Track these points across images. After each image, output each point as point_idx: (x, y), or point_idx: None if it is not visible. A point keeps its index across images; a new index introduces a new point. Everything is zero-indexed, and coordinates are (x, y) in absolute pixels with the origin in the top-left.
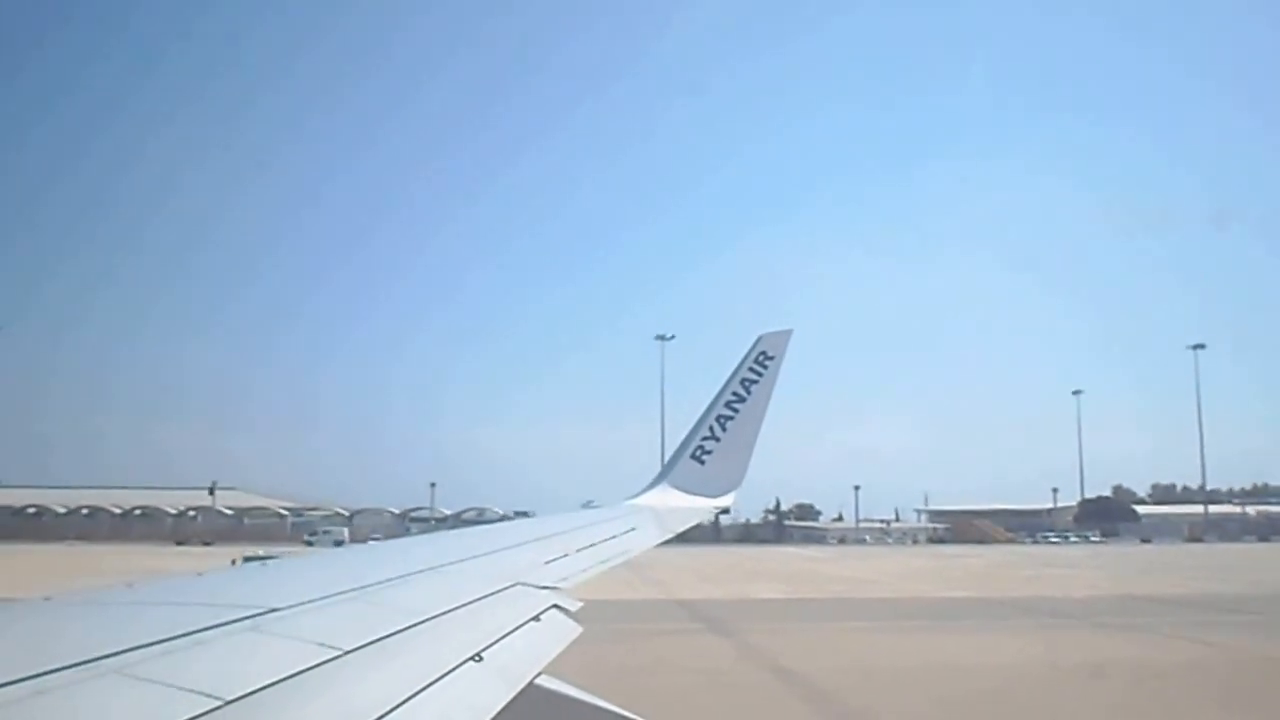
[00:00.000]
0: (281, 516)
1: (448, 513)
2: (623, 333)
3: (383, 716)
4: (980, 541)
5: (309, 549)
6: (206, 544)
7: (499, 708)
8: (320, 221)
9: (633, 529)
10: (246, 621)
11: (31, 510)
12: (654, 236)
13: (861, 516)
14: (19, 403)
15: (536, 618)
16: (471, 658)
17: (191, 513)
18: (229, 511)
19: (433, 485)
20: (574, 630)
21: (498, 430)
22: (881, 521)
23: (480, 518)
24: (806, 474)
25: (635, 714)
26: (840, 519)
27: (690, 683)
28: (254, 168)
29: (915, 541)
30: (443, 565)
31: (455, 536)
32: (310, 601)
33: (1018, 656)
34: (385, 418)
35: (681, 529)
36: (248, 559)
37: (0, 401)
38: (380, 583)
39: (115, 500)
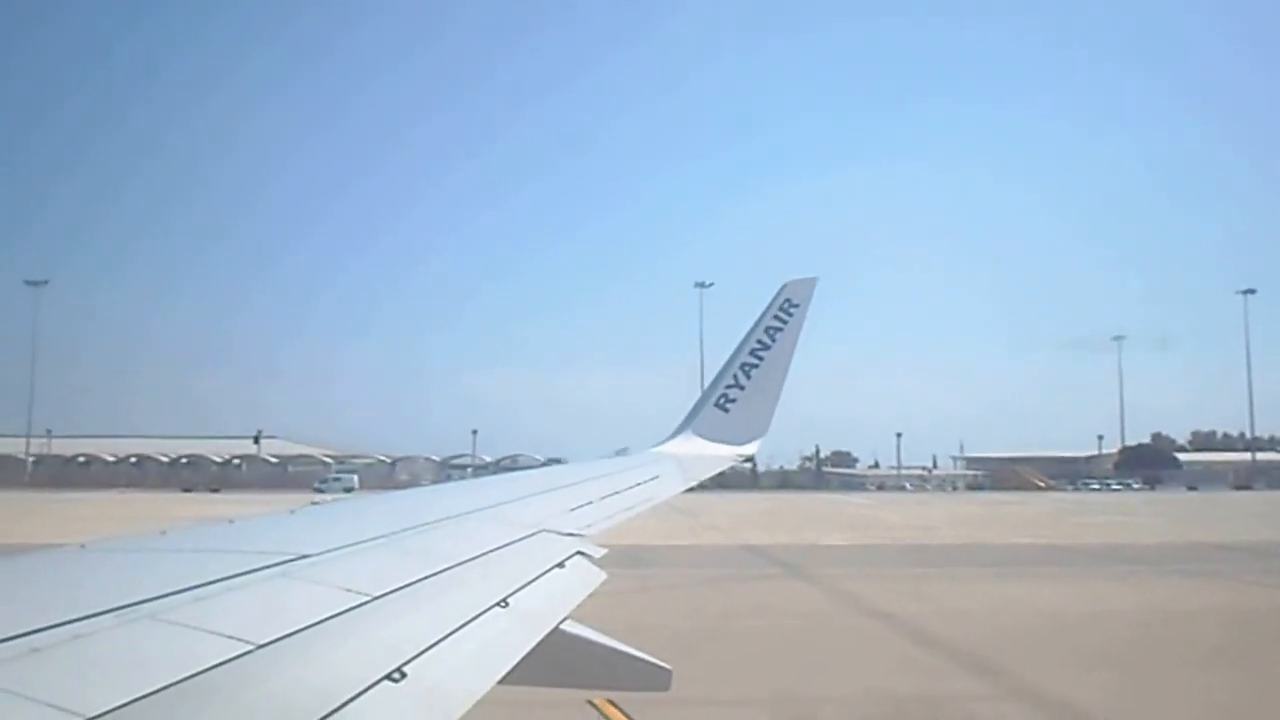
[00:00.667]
0: (325, 464)
1: (488, 459)
2: (663, 280)
3: (411, 660)
4: (1020, 488)
5: (320, 495)
6: (214, 490)
7: (524, 652)
8: (365, 170)
9: (656, 477)
10: (277, 568)
11: (82, 460)
12: (696, 181)
13: (894, 463)
14: (68, 354)
15: (561, 564)
16: (497, 603)
17: (236, 461)
18: (273, 459)
19: (474, 432)
20: (598, 576)
21: (539, 378)
22: (922, 469)
23: (516, 465)
24: (840, 421)
25: (727, 655)
26: (876, 466)
27: (800, 626)
28: (304, 113)
29: (954, 488)
30: (468, 512)
31: (481, 484)
32: (340, 548)
33: (1131, 603)
34: (427, 366)
35: (705, 477)
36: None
37: (49, 354)
38: (408, 529)
39: (163, 449)
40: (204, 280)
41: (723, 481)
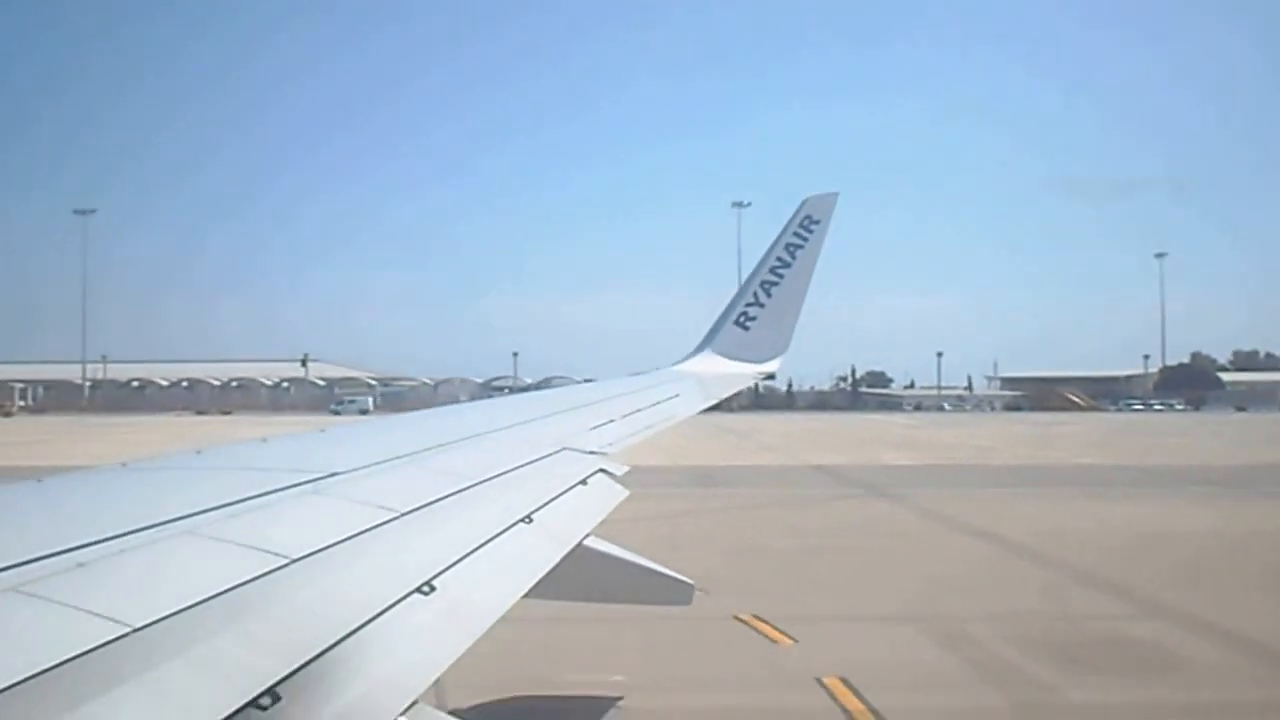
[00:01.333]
0: (370, 386)
1: (529, 381)
2: (702, 200)
3: (439, 574)
4: (1063, 409)
5: (336, 417)
6: (226, 413)
7: (549, 567)
8: (408, 88)
9: (676, 395)
10: (308, 485)
11: (136, 384)
12: (736, 101)
13: (928, 384)
14: (121, 281)
15: (584, 481)
16: (522, 519)
17: (285, 383)
18: (321, 382)
19: (515, 355)
20: (620, 493)
21: (579, 299)
22: (963, 389)
23: (554, 386)
24: (869, 341)
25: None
26: (911, 386)
27: (908, 547)
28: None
29: (992, 409)
30: (492, 431)
31: (504, 403)
32: (368, 466)
33: (1223, 524)
34: (471, 289)
35: (725, 395)
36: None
37: (102, 281)
38: (434, 448)
39: (213, 373)
40: (252, 208)
41: (760, 402)
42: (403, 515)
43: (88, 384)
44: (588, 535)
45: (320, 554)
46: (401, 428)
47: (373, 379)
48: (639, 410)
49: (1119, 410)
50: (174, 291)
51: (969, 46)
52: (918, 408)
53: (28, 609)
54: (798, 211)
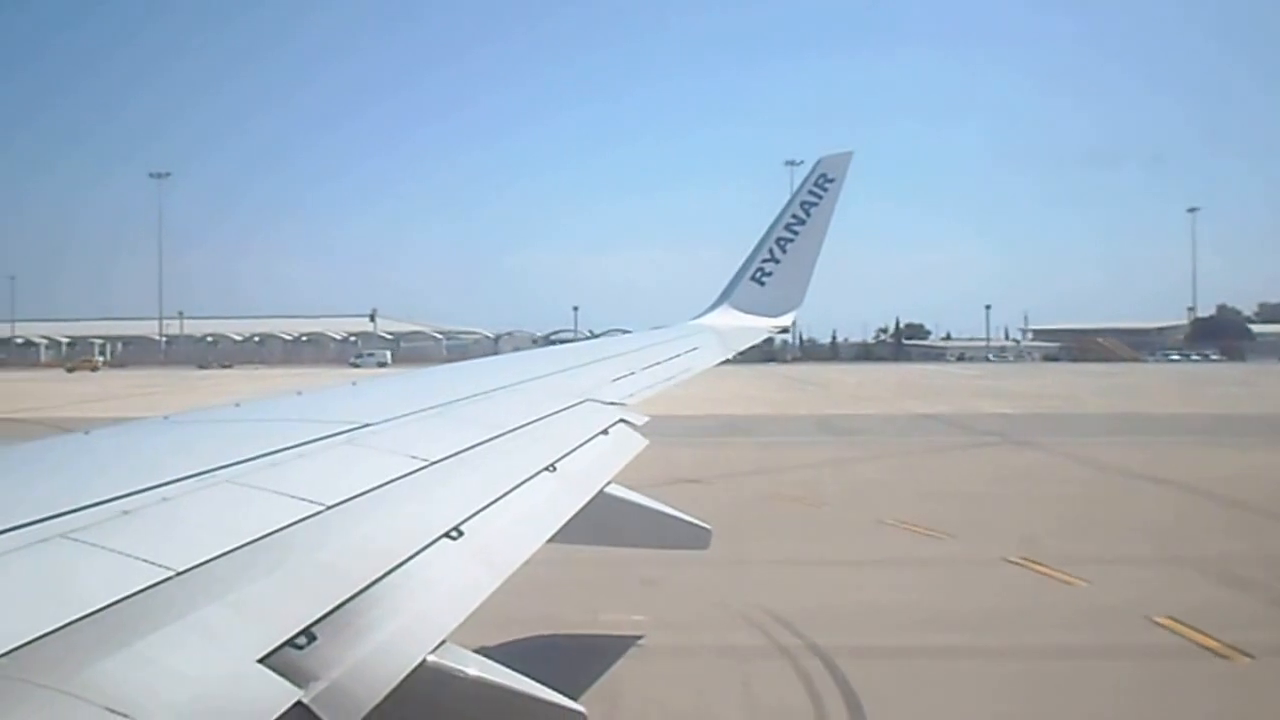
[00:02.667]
0: (435, 339)
1: (588, 334)
2: (756, 159)
3: (467, 520)
4: (1104, 359)
5: (356, 370)
6: (225, 367)
7: (572, 514)
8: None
9: (695, 348)
10: (342, 435)
11: (210, 339)
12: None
13: (961, 335)
14: (197, 240)
15: (605, 431)
16: (545, 468)
17: (353, 338)
18: (388, 335)
19: (575, 309)
20: (640, 443)
21: (637, 253)
22: (1002, 340)
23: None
24: (897, 293)
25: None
26: (948, 338)
27: (1091, 492)
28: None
29: (1031, 359)
30: (518, 383)
31: (529, 356)
32: (399, 417)
33: None
34: (532, 244)
35: (743, 348)
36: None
37: (179, 240)
38: (462, 399)
39: (285, 328)
40: (317, 169)
41: (808, 353)
42: (432, 464)
43: (163, 339)
44: (609, 483)
45: (353, 501)
46: (430, 380)
47: (438, 332)
48: (659, 363)
49: (1159, 361)
50: (250, 250)
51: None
52: (960, 358)
53: (76, 555)
54: (813, 170)
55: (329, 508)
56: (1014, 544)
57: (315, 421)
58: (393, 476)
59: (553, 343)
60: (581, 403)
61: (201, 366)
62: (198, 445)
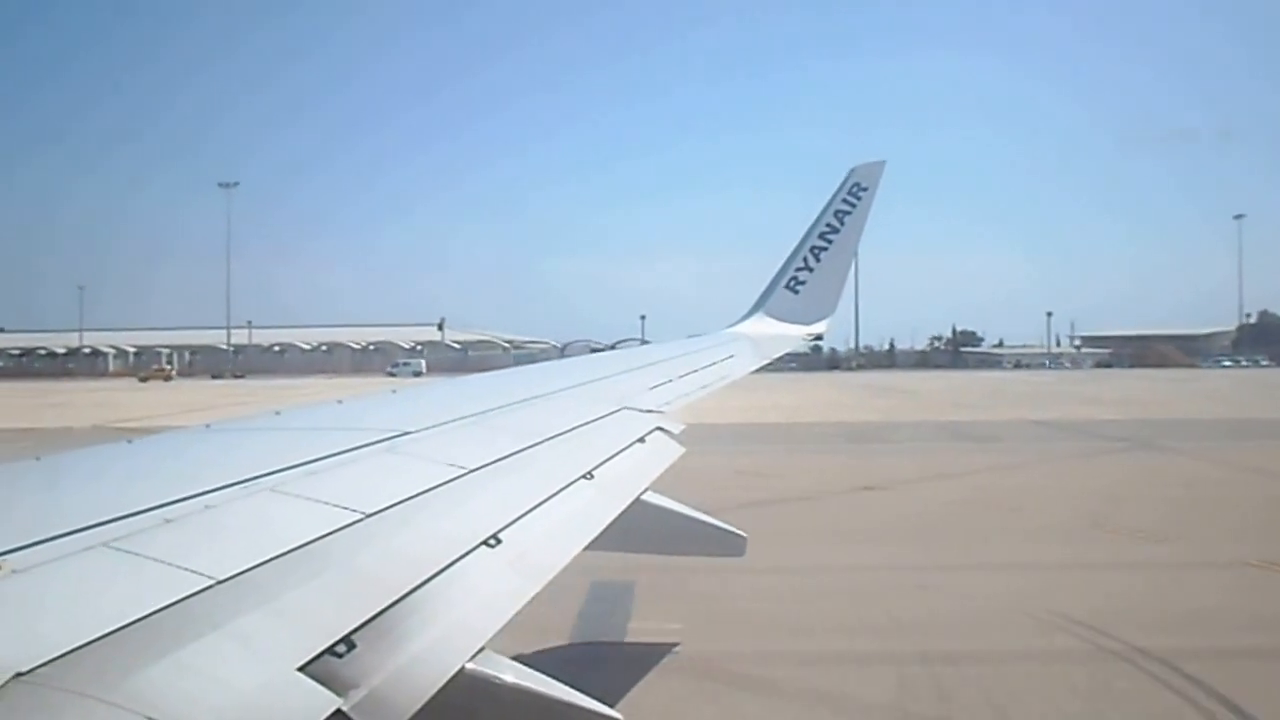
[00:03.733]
0: (504, 348)
1: (652, 342)
2: (818, 165)
3: (505, 528)
4: (1158, 365)
5: (393, 379)
6: (238, 377)
7: (609, 521)
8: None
9: (731, 356)
10: (382, 444)
11: (277, 349)
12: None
13: (1013, 343)
14: (262, 253)
15: (642, 439)
16: (583, 476)
17: (419, 346)
18: (456, 345)
19: (642, 318)
20: (677, 450)
21: (702, 262)
22: (1053, 348)
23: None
24: (944, 300)
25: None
26: (1000, 345)
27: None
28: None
29: (1085, 366)
30: (555, 391)
31: (567, 364)
32: (438, 425)
33: None
34: (601, 257)
35: (776, 355)
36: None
37: (248, 253)
38: (500, 407)
39: (353, 337)
40: (385, 185)
41: (872, 361)
42: (470, 472)
43: (231, 349)
44: (645, 490)
45: (393, 509)
46: (469, 388)
47: (505, 341)
48: (695, 370)
49: (1210, 367)
50: (316, 260)
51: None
52: (1017, 365)
53: (119, 563)
54: (846, 179)
55: (368, 516)
56: (1241, 548)
57: (354, 430)
58: (431, 484)
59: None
60: (618, 410)
61: (215, 376)
62: (239, 454)
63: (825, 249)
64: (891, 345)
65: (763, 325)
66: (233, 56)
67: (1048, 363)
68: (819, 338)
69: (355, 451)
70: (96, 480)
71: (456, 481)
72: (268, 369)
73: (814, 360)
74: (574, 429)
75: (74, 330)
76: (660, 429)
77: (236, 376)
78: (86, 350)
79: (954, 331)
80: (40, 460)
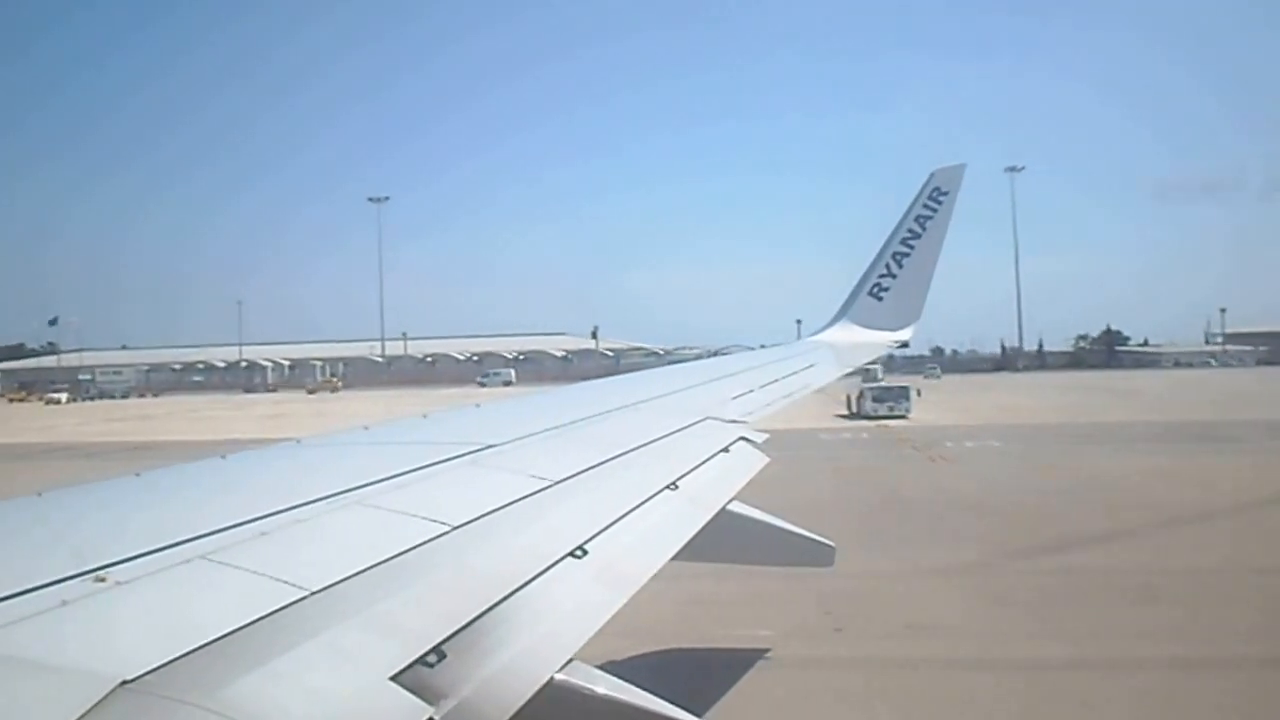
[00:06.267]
0: (657, 355)
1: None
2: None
3: (591, 539)
4: None
5: (483, 389)
6: (271, 390)
7: (694, 533)
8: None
9: (812, 365)
10: (467, 457)
11: (429, 359)
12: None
13: (1157, 342)
14: (414, 260)
15: (726, 449)
16: (667, 486)
17: (569, 355)
18: (609, 353)
19: (799, 322)
20: (761, 460)
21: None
22: (1218, 342)
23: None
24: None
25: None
26: (1145, 344)
27: None
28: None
29: (1243, 363)
30: (637, 403)
31: (650, 375)
32: (522, 438)
33: None
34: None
35: (861, 363)
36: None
37: (401, 266)
38: (583, 419)
39: (506, 347)
40: (536, 192)
41: (1044, 360)
42: (555, 484)
43: (382, 359)
44: (731, 500)
45: (479, 521)
46: (552, 401)
47: (661, 349)
48: (777, 380)
49: None
50: (467, 271)
51: None
52: (1176, 364)
53: (217, 575)
54: (926, 183)
55: (456, 528)
56: None
57: (441, 443)
58: (517, 496)
59: None
60: (701, 421)
61: (247, 390)
62: (328, 468)
63: (908, 255)
64: (1040, 346)
65: (846, 333)
66: (383, 70)
67: (1213, 361)
68: (904, 344)
69: (441, 465)
70: (194, 495)
71: (541, 493)
72: (419, 379)
73: (982, 363)
74: (657, 440)
75: (212, 345)
76: (744, 439)
77: (270, 390)
78: (244, 364)
79: (1108, 331)
80: (139, 477)
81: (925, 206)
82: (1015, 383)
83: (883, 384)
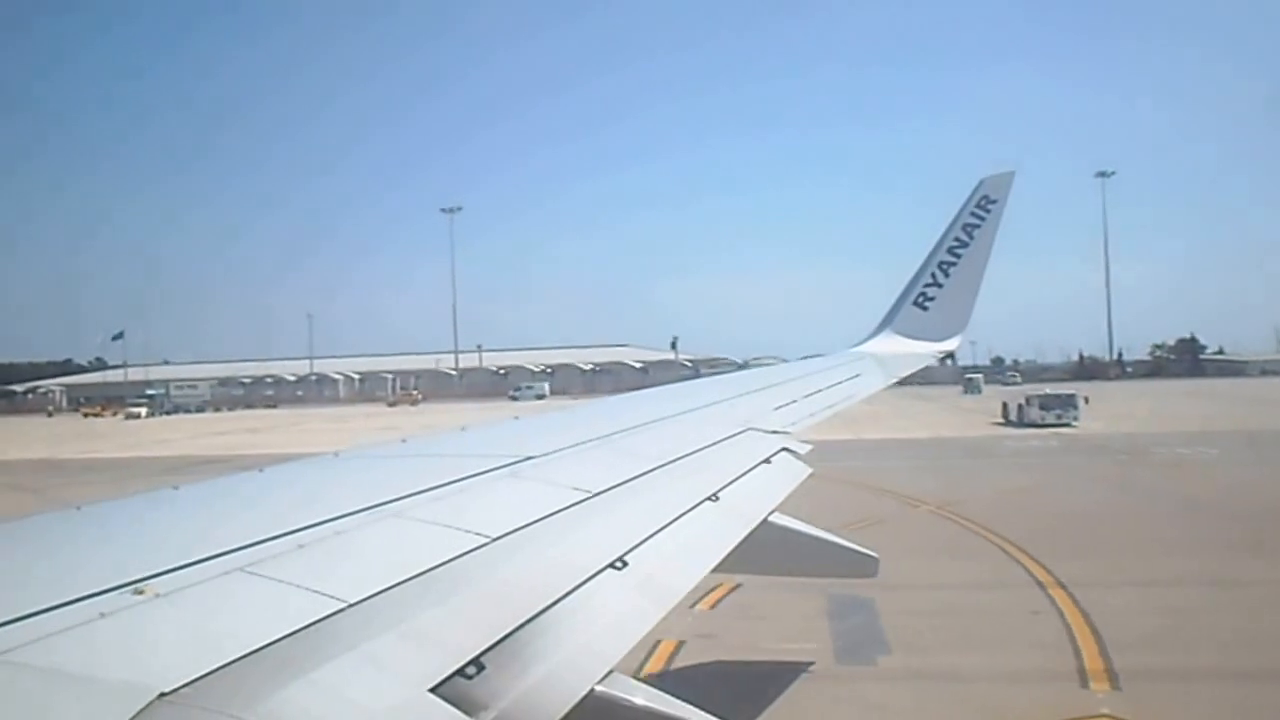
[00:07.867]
0: (736, 364)
1: None
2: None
3: (631, 551)
4: None
5: (517, 403)
6: (271, 406)
7: (735, 543)
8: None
9: (856, 375)
10: (505, 469)
11: (501, 371)
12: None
13: (1233, 350)
14: (489, 281)
15: (768, 460)
16: (708, 498)
17: (644, 366)
18: (688, 363)
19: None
20: (803, 471)
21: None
22: None
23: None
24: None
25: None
26: (1220, 352)
27: None
28: None
29: None
30: (679, 414)
31: (691, 386)
32: (561, 450)
33: None
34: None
35: (905, 374)
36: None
37: (476, 280)
38: (623, 430)
39: (582, 358)
40: (620, 222)
41: (1141, 369)
42: (595, 495)
43: (455, 372)
44: (772, 511)
45: (519, 533)
46: (592, 412)
47: (738, 359)
48: (820, 390)
49: None
50: (540, 284)
51: None
52: (1263, 373)
53: (255, 587)
54: (975, 191)
55: (494, 540)
56: None
57: (479, 456)
58: (556, 508)
59: None
60: (743, 432)
61: (248, 407)
62: (367, 480)
63: (954, 264)
64: (1119, 356)
65: (891, 343)
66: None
67: None
68: (950, 355)
69: (480, 477)
70: (233, 507)
71: (581, 505)
72: (492, 392)
73: (1071, 368)
74: (698, 450)
75: (272, 359)
76: (786, 450)
77: (269, 406)
78: (314, 378)
79: (1192, 338)
80: (177, 489)
81: (973, 215)
82: (1128, 391)
83: (1049, 391)
